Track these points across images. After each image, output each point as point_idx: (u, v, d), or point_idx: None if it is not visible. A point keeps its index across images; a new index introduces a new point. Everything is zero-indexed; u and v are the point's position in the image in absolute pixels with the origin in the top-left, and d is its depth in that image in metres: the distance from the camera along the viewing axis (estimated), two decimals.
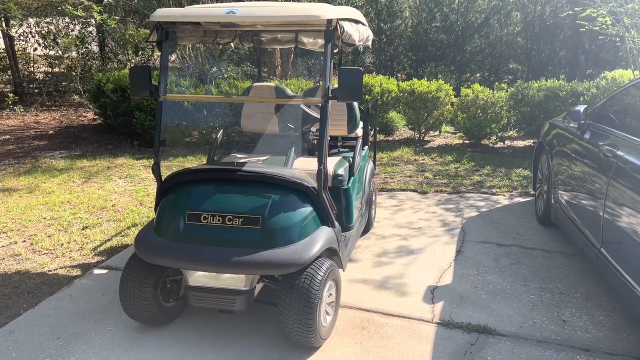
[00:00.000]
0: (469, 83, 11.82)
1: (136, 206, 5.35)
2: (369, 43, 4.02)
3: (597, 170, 3.33)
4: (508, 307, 3.27)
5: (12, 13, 8.45)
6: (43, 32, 11.97)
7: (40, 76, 12.93)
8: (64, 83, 12.51)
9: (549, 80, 7.69)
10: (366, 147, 4.45)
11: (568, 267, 3.86)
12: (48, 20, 11.86)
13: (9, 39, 11.41)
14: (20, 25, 11.54)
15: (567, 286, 3.56)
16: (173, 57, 10.87)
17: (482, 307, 3.28)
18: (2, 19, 10.92)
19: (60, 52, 12.20)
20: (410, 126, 8.89)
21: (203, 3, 9.49)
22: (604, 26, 6.89)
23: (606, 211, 3.07)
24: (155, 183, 3.13)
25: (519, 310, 3.23)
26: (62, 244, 4.36)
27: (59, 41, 11.92)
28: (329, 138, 4.02)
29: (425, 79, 8.63)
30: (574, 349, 2.84)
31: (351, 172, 3.72)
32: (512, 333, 2.99)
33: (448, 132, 9.40)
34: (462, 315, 3.18)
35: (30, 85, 12.63)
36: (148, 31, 11.11)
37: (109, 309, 3.28)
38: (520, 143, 8.42)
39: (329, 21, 2.82)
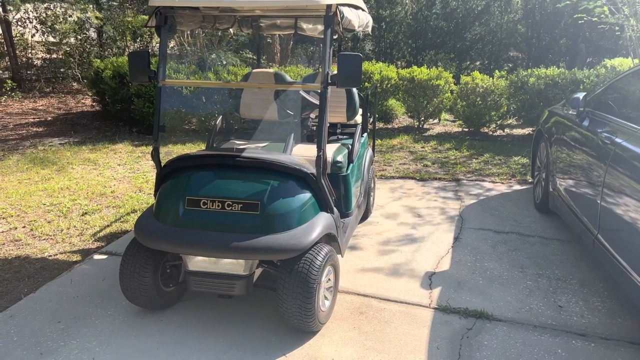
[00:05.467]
0: (469, 71, 11.80)
1: (135, 192, 5.36)
2: (369, 29, 4.01)
3: (595, 158, 3.34)
4: (505, 293, 3.30)
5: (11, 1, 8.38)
6: (41, 17, 11.88)
7: (38, 62, 12.85)
8: (62, 69, 12.45)
9: (549, 68, 7.67)
10: (365, 134, 4.46)
11: (565, 253, 3.88)
12: (46, 6, 11.76)
13: (7, 25, 11.33)
14: (18, 10, 11.45)
15: (563, 272, 3.58)
16: (172, 43, 10.83)
17: (479, 292, 3.31)
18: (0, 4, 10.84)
19: (58, 39, 12.12)
20: (409, 114, 8.88)
21: None
22: (602, 16, 6.85)
23: (603, 198, 3.09)
24: (155, 169, 3.14)
25: (515, 296, 3.26)
26: (62, 230, 4.38)
27: (57, 27, 11.83)
28: (328, 125, 4.02)
29: (425, 66, 8.59)
30: (569, 334, 2.87)
31: (350, 159, 3.73)
32: (508, 318, 3.02)
33: (447, 120, 9.40)
34: (460, 300, 3.21)
35: (29, 72, 12.56)
36: (146, 17, 11.03)
37: (109, 294, 3.30)
38: (519, 131, 8.42)
39: (329, 6, 2.81)
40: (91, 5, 11.25)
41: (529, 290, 3.34)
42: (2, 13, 10.67)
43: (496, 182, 5.67)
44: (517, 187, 5.52)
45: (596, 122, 3.60)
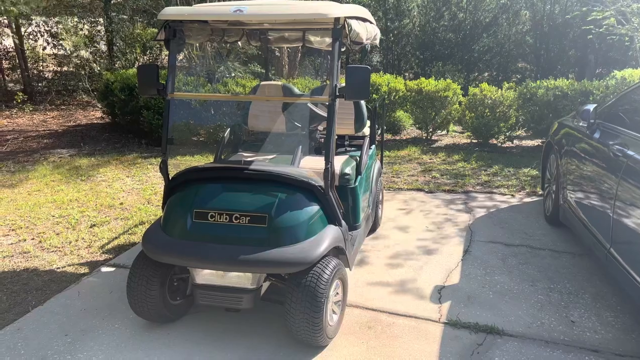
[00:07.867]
0: (477, 82, 11.77)
1: (144, 204, 5.37)
2: (377, 41, 4.01)
3: (607, 170, 3.30)
4: (516, 308, 3.25)
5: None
6: (52, 31, 12.05)
7: (49, 75, 13.01)
8: (72, 82, 12.59)
9: (558, 79, 7.63)
10: (373, 146, 4.44)
11: (577, 267, 3.83)
12: (56, 19, 11.94)
13: (19, 39, 11.50)
14: (29, 24, 11.63)
15: (575, 286, 3.53)
16: (181, 56, 10.91)
17: (489, 307, 3.26)
18: (13, 21, 11.01)
19: (68, 52, 12.28)
20: (417, 125, 8.86)
21: (211, 2, 9.49)
22: (610, 28, 6.83)
23: (616, 211, 3.04)
24: (163, 181, 3.14)
25: (527, 311, 3.21)
26: (70, 242, 4.39)
27: (68, 40, 11.99)
28: (336, 137, 4.01)
29: (433, 78, 8.59)
30: (582, 350, 2.81)
31: (358, 171, 3.71)
32: (520, 333, 2.97)
33: (456, 132, 9.36)
34: (470, 315, 3.16)
35: (39, 84, 12.72)
36: (156, 30, 11.15)
37: (117, 307, 3.29)
38: (528, 142, 8.37)
39: (337, 19, 2.82)
40: (101, 19, 11.41)
41: (540, 305, 3.29)
42: (14, 27, 10.83)
43: (506, 194, 5.62)
44: (527, 199, 5.47)
45: (607, 134, 3.56)
